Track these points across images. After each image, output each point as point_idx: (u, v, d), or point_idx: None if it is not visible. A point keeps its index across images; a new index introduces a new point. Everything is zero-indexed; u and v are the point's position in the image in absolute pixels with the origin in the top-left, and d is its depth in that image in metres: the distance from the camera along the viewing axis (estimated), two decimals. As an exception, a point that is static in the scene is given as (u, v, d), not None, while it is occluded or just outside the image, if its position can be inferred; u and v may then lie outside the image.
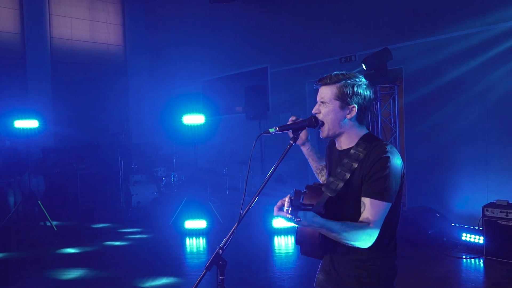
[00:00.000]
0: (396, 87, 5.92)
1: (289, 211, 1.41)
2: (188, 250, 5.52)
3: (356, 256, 1.66)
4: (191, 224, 6.09)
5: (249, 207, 1.66)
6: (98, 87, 10.95)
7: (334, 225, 1.52)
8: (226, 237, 1.64)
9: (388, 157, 1.59)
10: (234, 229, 1.64)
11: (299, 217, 1.41)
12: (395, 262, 1.71)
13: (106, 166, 9.12)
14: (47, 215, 6.36)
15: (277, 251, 5.32)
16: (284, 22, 7.91)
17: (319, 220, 1.49)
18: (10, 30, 9.99)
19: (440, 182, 5.67)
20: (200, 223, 6.10)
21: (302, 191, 1.45)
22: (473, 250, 4.76)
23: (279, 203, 1.51)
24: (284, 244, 5.50)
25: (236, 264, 4.54)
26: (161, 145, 10.07)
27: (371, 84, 1.74)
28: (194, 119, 6.45)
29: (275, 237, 5.73)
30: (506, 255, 4.30)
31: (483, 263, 4.45)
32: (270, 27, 8.17)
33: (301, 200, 1.43)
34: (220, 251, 1.63)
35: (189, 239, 5.88)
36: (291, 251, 5.19)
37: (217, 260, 1.62)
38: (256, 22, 8.51)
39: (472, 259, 4.55)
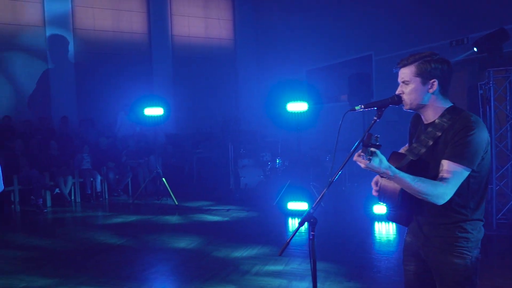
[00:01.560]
0: (513, 70, 5.49)
1: (361, 151, 1.56)
2: (290, 228, 5.90)
3: (443, 219, 1.79)
4: (293, 205, 6.48)
5: (337, 175, 1.92)
6: (211, 79, 11.95)
7: (407, 176, 1.67)
8: (317, 200, 1.94)
9: (473, 127, 1.69)
10: (323, 192, 1.92)
11: (370, 157, 1.54)
12: (481, 225, 1.81)
13: (217, 151, 10.00)
14: (170, 191, 7.33)
15: (377, 236, 5.41)
16: (389, 8, 7.77)
17: (394, 169, 1.66)
18: (139, 31, 11.46)
19: None
20: (302, 205, 6.45)
21: (375, 135, 1.55)
22: None
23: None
24: (385, 230, 5.55)
25: (334, 243, 4.79)
26: (266, 132, 10.65)
27: (445, 59, 1.83)
28: (298, 106, 6.78)
29: (376, 223, 5.80)
30: None
31: None
32: (375, 13, 8.09)
33: (372, 141, 1.51)
34: (311, 210, 1.93)
35: (292, 219, 6.26)
36: (392, 237, 5.24)
37: (308, 218, 1.93)
38: (361, 9, 8.48)
39: None
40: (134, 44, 11.36)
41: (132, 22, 11.33)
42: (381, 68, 8.07)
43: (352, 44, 8.65)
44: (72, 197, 8.03)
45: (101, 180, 8.33)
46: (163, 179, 7.50)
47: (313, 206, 1.94)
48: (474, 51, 5.32)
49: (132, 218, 6.57)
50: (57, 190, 7.83)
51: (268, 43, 12.02)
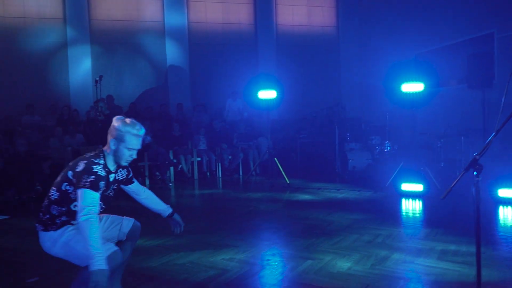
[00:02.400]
0: None
1: None
2: (404, 208, 5.85)
3: None
4: (408, 186, 6.42)
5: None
6: (314, 66, 12.13)
7: None
8: (484, 147, 2.03)
9: None
10: (490, 139, 2.01)
11: None
12: None
13: (322, 135, 10.19)
14: (281, 170, 7.71)
15: (501, 220, 5.16)
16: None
17: None
18: (246, 22, 12.06)
19: None
20: (417, 187, 6.37)
21: None
22: None
23: None
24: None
25: (458, 223, 4.71)
26: (370, 118, 10.52)
27: None
28: (413, 87, 6.66)
29: (500, 207, 5.52)
30: None
31: None
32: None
33: None
34: (477, 157, 2.03)
35: (405, 199, 6.20)
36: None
37: (474, 164, 2.04)
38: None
39: None
40: (241, 34, 11.99)
41: (239, 14, 11.97)
42: (505, 46, 7.51)
43: (472, 22, 8.16)
44: (190, 174, 8.83)
45: (215, 160, 9.03)
46: (275, 159, 7.90)
47: (478, 153, 2.03)
48: None
49: (258, 194, 7.01)
50: (180, 167, 8.67)
51: (372, 28, 11.82)
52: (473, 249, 2.79)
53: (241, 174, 9.30)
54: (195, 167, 8.89)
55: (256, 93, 7.88)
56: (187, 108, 11.35)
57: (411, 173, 6.64)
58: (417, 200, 6.14)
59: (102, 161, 2.40)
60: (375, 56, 11.51)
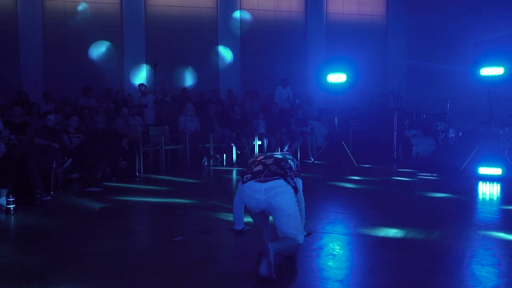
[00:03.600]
0: None
1: None
2: (481, 193, 5.82)
3: None
4: (485, 170, 6.44)
5: None
6: (363, 55, 12.11)
7: None
8: None
9: None
10: None
11: None
12: None
13: (376, 123, 10.22)
14: (349, 153, 7.79)
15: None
16: None
17: None
18: (296, 10, 12.11)
19: None
20: (495, 170, 6.39)
21: None
22: None
23: None
24: None
25: None
26: (426, 106, 10.50)
27: None
28: (493, 71, 6.66)
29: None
30: None
31: None
32: None
33: None
34: None
35: (483, 183, 6.21)
36: None
37: None
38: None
39: None
40: (291, 22, 12.05)
41: (290, 1, 12.02)
42: None
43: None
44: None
45: (275, 144, 9.13)
46: (342, 142, 7.96)
47: None
48: None
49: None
50: (246, 150, 8.78)
51: (422, 17, 11.76)
52: None
53: (298, 159, 9.39)
54: (256, 150, 8.99)
55: (325, 76, 7.93)
56: (237, 94, 11.45)
57: (487, 157, 6.67)
58: (494, 184, 6.15)
59: None
60: (427, 45, 11.45)
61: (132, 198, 5.11)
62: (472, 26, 9.96)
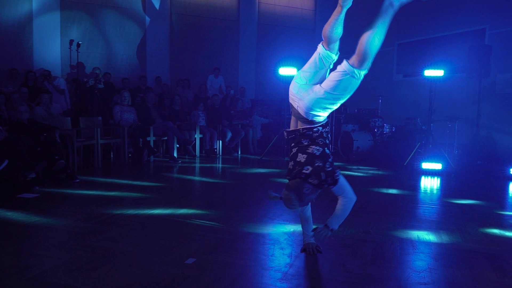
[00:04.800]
0: None
1: None
2: (423, 185, 6.26)
3: None
4: (428, 165, 6.92)
5: None
6: (292, 48, 12.21)
7: None
8: None
9: None
10: None
11: None
12: None
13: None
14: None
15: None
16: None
17: None
18: (306, 8, 11.81)
19: None
20: (436, 165, 6.90)
21: None
22: None
23: None
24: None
25: None
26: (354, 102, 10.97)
27: None
28: (434, 72, 7.13)
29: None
30: None
31: None
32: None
33: None
34: None
35: (425, 177, 6.66)
36: None
37: None
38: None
39: None
40: (224, 10, 11.57)
41: (224, -12, 11.52)
42: (499, 42, 8.32)
43: (459, 17, 8.93)
44: (194, 152, 8.39)
45: (216, 137, 8.70)
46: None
47: None
48: None
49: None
50: (190, 148, 8.20)
51: (349, 16, 12.23)
52: None
53: (239, 152, 9.11)
54: (197, 144, 8.47)
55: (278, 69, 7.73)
56: (166, 82, 10.68)
57: (428, 153, 7.17)
58: (435, 178, 6.63)
59: None
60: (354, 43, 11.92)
61: (94, 209, 4.32)
62: (397, 27, 10.61)
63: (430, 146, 7.32)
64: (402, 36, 10.49)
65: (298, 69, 7.59)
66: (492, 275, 2.66)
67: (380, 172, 7.03)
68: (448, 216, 4.18)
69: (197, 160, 8.02)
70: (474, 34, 8.77)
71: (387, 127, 8.85)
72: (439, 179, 6.50)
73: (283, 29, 12.23)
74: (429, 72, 7.22)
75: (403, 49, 10.66)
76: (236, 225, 3.63)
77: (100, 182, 5.73)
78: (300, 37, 12.53)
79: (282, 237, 3.32)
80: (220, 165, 7.55)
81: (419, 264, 2.82)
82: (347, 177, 6.10)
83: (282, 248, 3.07)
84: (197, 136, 8.40)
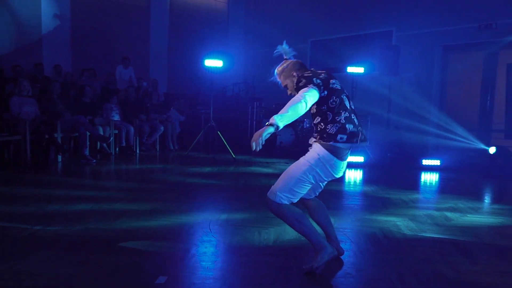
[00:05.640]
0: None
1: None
2: (346, 177, 6.54)
3: None
4: (351, 158, 7.21)
5: None
6: (205, 40, 11.81)
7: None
8: None
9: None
10: None
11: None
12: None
13: (231, 111, 10.14)
14: (226, 144, 7.43)
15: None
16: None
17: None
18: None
19: None
20: (359, 158, 7.23)
21: None
22: None
23: None
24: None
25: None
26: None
27: None
28: (356, 69, 7.43)
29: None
30: None
31: None
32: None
33: None
34: None
35: (349, 170, 6.93)
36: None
37: None
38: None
39: None
40: (216, 9, 10.84)
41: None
42: (405, 43, 8.97)
43: (369, 18, 9.48)
44: (110, 150, 7.55)
45: (133, 133, 7.96)
46: (218, 132, 7.53)
47: None
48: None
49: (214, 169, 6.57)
50: (105, 146, 7.31)
51: (264, 7, 12.24)
52: None
53: (158, 149, 8.48)
54: (112, 141, 7.64)
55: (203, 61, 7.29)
56: (67, 71, 9.49)
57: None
58: (358, 170, 6.96)
59: None
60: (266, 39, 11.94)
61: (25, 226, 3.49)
62: (310, 25, 10.88)
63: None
64: (315, 33, 10.82)
65: (224, 61, 7.26)
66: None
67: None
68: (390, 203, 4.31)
69: (113, 159, 7.23)
70: (383, 35, 9.39)
71: (307, 122, 9.03)
72: (361, 171, 6.81)
73: (196, 19, 11.75)
74: (351, 69, 7.51)
75: (316, 46, 11.01)
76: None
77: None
78: (214, 29, 12.19)
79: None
80: (142, 166, 6.91)
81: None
82: (268, 174, 6.13)
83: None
84: (111, 132, 7.57)
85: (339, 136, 2.38)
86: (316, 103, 2.42)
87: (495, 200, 5.15)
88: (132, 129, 7.87)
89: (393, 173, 6.87)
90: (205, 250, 2.87)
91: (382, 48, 8.71)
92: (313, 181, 2.44)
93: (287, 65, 2.63)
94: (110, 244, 2.93)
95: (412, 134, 8.69)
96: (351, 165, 7.15)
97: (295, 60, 2.66)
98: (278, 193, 2.41)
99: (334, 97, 2.42)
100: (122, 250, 2.84)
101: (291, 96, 2.47)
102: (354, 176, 6.43)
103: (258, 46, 11.94)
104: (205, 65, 7.31)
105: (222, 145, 7.76)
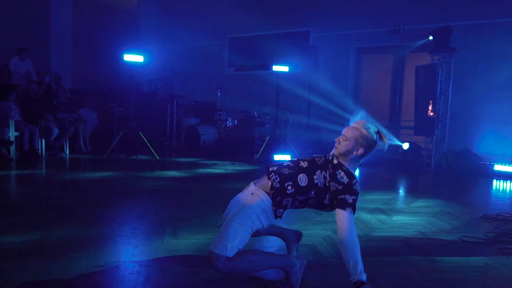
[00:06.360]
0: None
1: None
2: None
3: None
4: (279, 157, 7.26)
5: None
6: (115, 33, 10.94)
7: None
8: None
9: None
10: None
11: None
12: None
13: (147, 109, 9.51)
14: (150, 146, 6.92)
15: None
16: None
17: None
18: None
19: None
20: (287, 157, 7.30)
21: None
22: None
23: None
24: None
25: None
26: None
27: None
28: (281, 68, 7.46)
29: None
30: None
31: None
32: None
33: None
34: None
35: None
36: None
37: None
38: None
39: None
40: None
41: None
42: (321, 44, 9.25)
43: (287, 18, 9.60)
44: (11, 156, 6.54)
45: (38, 134, 7.02)
46: (140, 133, 6.98)
47: None
48: (429, 39, 7.28)
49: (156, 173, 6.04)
50: (4, 150, 6.28)
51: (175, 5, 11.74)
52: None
53: (67, 152, 7.60)
54: (13, 143, 6.63)
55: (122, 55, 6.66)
56: None
57: (278, 145, 7.54)
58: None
59: None
60: (182, 34, 11.50)
61: None
62: (227, 21, 10.70)
63: (288, 138, 7.66)
64: (233, 30, 10.67)
65: (145, 57, 6.77)
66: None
67: (244, 168, 6.92)
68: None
69: (14, 165, 6.28)
70: (301, 35, 9.61)
71: (230, 120, 8.88)
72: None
73: (104, 8, 10.80)
74: (277, 68, 7.53)
75: (234, 43, 10.88)
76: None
77: None
78: (124, 20, 11.35)
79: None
80: (65, 176, 6.11)
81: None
82: (207, 175, 5.86)
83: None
84: (12, 134, 6.57)
85: (278, 211, 2.30)
86: (306, 193, 2.31)
87: (416, 195, 5.53)
88: (36, 130, 6.92)
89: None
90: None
91: (301, 48, 8.91)
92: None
93: (368, 136, 2.32)
94: None
95: (330, 132, 9.04)
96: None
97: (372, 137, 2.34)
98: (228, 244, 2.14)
99: None
100: None
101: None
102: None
103: (173, 41, 11.41)
104: (124, 60, 6.70)
105: (142, 146, 7.23)
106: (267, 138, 7.70)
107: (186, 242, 3.05)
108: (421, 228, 3.64)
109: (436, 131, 7.41)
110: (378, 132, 2.37)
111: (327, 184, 2.28)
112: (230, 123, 8.86)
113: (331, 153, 2.40)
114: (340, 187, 2.23)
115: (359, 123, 2.37)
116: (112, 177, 5.58)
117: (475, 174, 6.96)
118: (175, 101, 8.75)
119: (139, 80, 9.85)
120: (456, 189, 5.98)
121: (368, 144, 2.32)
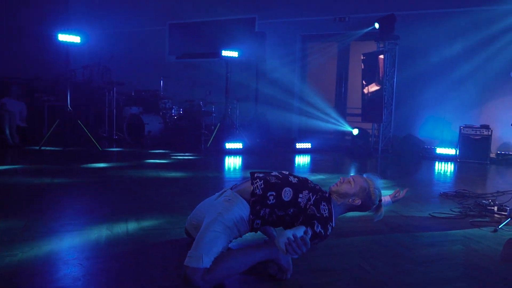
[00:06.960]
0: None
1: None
2: (226, 164, 6.40)
3: None
4: (231, 145, 7.02)
5: None
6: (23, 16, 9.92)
7: None
8: None
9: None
10: None
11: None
12: None
13: (80, 98, 8.74)
14: (90, 136, 6.32)
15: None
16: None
17: None
18: None
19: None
20: (238, 145, 7.09)
21: None
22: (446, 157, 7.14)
23: None
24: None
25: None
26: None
27: None
28: (231, 53, 7.19)
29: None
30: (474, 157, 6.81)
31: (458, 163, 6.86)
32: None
33: None
34: None
35: (228, 157, 6.73)
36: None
37: None
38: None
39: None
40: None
41: None
42: (269, 31, 9.06)
43: (229, 3, 9.31)
44: None
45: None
46: (79, 121, 6.33)
47: None
48: (375, 27, 7.42)
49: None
50: None
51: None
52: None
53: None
54: None
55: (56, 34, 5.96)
56: None
57: (228, 134, 7.30)
58: (238, 157, 6.85)
59: None
60: (125, 17, 10.71)
61: None
62: (168, 6, 10.17)
63: (237, 127, 7.41)
64: (174, 16, 10.18)
65: (82, 37, 6.17)
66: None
67: (198, 157, 6.57)
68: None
69: None
70: (246, 22, 9.39)
71: (175, 109, 8.45)
72: (240, 157, 6.67)
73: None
74: (226, 53, 7.26)
75: (175, 29, 10.39)
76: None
77: None
78: (50, 2, 10.33)
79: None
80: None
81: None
82: (155, 165, 5.47)
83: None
84: None
85: (256, 222, 2.10)
86: (285, 210, 2.12)
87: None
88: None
89: (271, 158, 6.94)
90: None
91: (248, 35, 8.71)
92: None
93: (372, 196, 2.27)
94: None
95: (279, 119, 8.98)
96: (230, 152, 6.95)
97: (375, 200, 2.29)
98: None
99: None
100: None
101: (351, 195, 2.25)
102: (234, 163, 6.21)
103: (108, 26, 10.60)
104: (59, 40, 6.01)
105: (80, 136, 6.59)
106: (218, 126, 7.42)
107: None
108: (390, 207, 3.62)
109: (383, 117, 7.62)
110: (380, 201, 2.32)
111: (307, 206, 2.10)
112: (175, 112, 8.44)
113: (328, 189, 2.30)
114: (318, 215, 2.07)
115: (372, 181, 2.30)
116: (52, 170, 4.98)
117: (419, 157, 7.27)
118: (114, 89, 8.12)
119: (73, 66, 9.01)
120: (404, 172, 6.17)
121: (367, 202, 2.27)
